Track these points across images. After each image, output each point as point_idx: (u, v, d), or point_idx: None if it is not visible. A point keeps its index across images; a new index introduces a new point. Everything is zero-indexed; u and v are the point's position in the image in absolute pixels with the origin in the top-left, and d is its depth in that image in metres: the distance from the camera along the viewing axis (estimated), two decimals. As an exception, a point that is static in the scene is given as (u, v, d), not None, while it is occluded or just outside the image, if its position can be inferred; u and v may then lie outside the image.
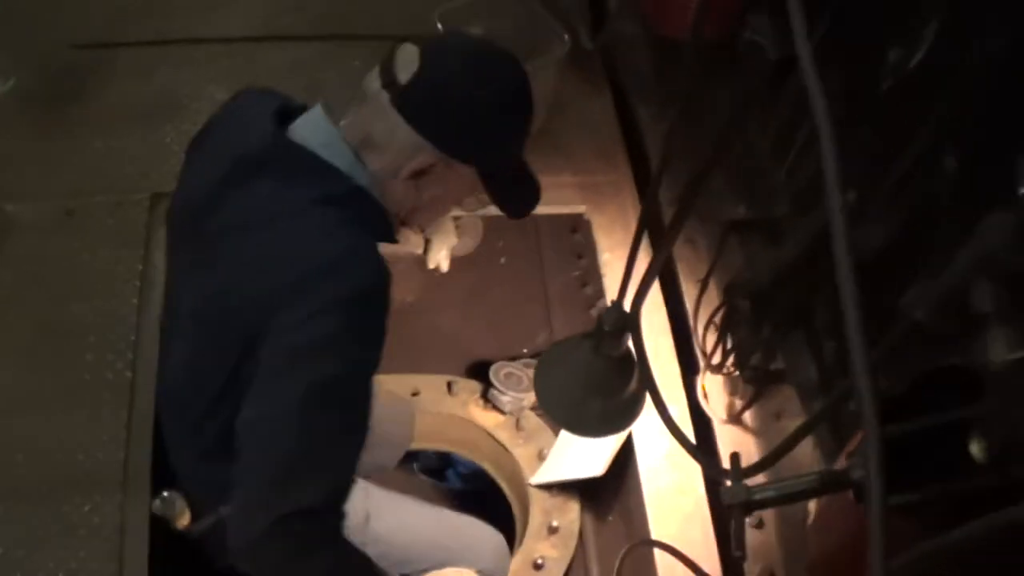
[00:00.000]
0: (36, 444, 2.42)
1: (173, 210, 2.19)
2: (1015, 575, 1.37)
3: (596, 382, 1.87)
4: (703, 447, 2.34)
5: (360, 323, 1.82)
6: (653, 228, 2.49)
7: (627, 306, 1.78)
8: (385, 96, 1.85)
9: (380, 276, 1.85)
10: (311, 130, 1.94)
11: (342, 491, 1.85)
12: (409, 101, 1.84)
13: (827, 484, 1.38)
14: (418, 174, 1.92)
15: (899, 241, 1.84)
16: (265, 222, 1.90)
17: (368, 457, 2.75)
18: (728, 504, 1.41)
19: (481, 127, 1.89)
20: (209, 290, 1.98)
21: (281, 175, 1.90)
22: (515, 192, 2.08)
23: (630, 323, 1.77)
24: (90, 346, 2.56)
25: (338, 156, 1.91)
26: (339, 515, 1.84)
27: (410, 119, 1.84)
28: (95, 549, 2.27)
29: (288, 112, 1.99)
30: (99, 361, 2.54)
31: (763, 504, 1.41)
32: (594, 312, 3.16)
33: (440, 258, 2.84)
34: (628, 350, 1.84)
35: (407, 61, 1.83)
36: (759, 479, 1.45)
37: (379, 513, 2.60)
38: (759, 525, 2.31)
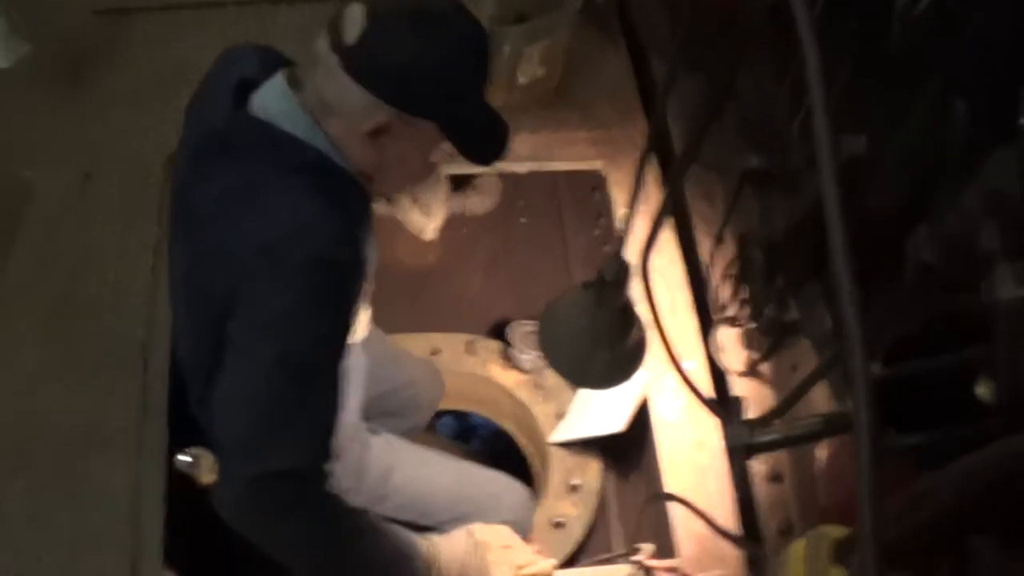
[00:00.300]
0: (53, 413, 2.43)
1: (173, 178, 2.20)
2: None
3: (599, 334, 1.86)
4: (720, 401, 2.32)
5: (322, 293, 1.85)
6: (666, 182, 2.48)
7: (636, 255, 1.77)
8: (334, 59, 1.81)
9: (343, 244, 1.87)
10: (272, 99, 1.92)
11: (320, 454, 1.89)
12: (357, 62, 1.81)
13: (831, 426, 1.37)
14: (376, 133, 1.89)
15: (911, 188, 1.81)
16: (232, 195, 1.90)
17: (398, 421, 2.82)
18: (730, 446, 1.40)
19: (434, 82, 1.85)
20: (190, 259, 2.03)
21: (243, 150, 1.91)
22: (480, 140, 2.01)
23: (634, 272, 1.76)
24: (105, 312, 2.57)
25: (298, 125, 1.89)
26: (318, 477, 1.89)
27: (360, 80, 1.81)
28: (111, 513, 2.30)
29: (251, 82, 1.97)
30: (115, 327, 2.54)
31: (766, 447, 1.41)
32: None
33: (424, 224, 2.82)
34: (629, 300, 1.83)
35: (353, 21, 1.79)
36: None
37: (401, 465, 2.63)
38: (777, 479, 2.30)
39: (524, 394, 3.38)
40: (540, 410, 3.34)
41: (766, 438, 1.39)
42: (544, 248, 3.67)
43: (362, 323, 2.32)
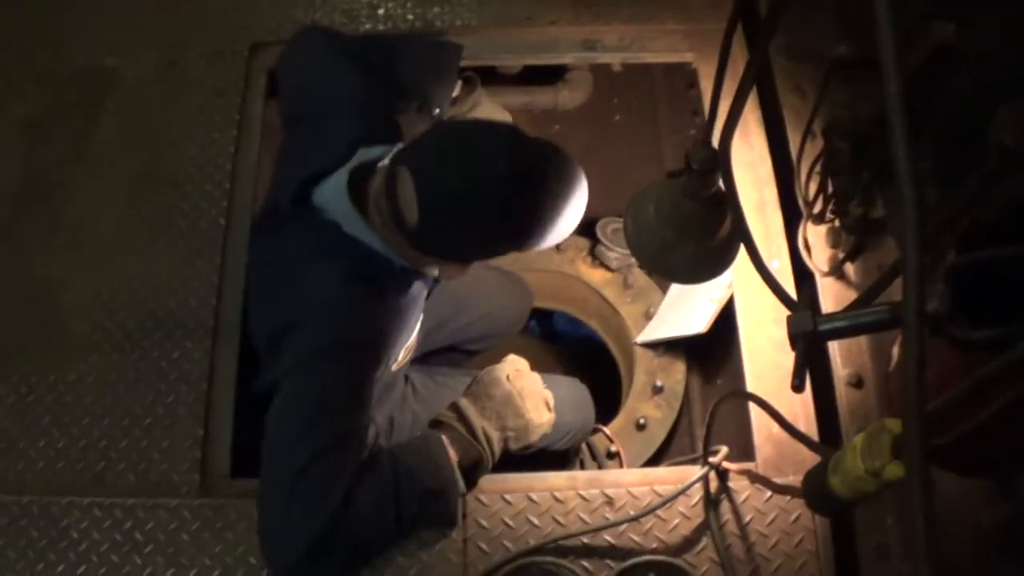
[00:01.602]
0: (130, 290, 2.44)
1: None
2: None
3: (686, 225, 1.78)
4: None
5: (338, 371, 2.02)
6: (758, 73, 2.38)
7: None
8: (395, 229, 2.01)
9: (362, 330, 2.08)
10: (331, 197, 2.13)
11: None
12: (419, 242, 2.01)
13: (899, 315, 1.29)
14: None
15: (999, 78, 1.71)
16: (281, 265, 2.19)
17: (482, 343, 2.99)
18: (792, 333, 1.33)
19: (483, 249, 2.08)
20: (257, 267, 2.35)
21: (299, 232, 2.16)
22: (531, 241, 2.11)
23: (720, 160, 1.67)
24: (186, 195, 2.56)
25: (354, 227, 2.10)
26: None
27: (422, 251, 2.06)
28: (184, 395, 2.30)
29: (321, 173, 2.17)
30: (194, 209, 2.53)
31: (830, 335, 1.33)
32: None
33: None
34: (719, 191, 1.74)
35: (407, 201, 1.93)
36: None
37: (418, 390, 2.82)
38: (858, 384, 2.22)
39: (611, 293, 3.33)
40: (627, 310, 3.29)
41: (829, 325, 1.31)
42: (638, 145, 3.60)
43: (403, 355, 2.44)
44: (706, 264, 1.86)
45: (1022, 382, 1.17)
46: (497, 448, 2.18)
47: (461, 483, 2.09)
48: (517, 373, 2.28)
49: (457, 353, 3.16)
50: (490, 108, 2.71)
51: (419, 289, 2.28)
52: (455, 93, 2.62)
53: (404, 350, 2.39)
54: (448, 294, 2.77)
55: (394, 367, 2.38)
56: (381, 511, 1.96)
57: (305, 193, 2.13)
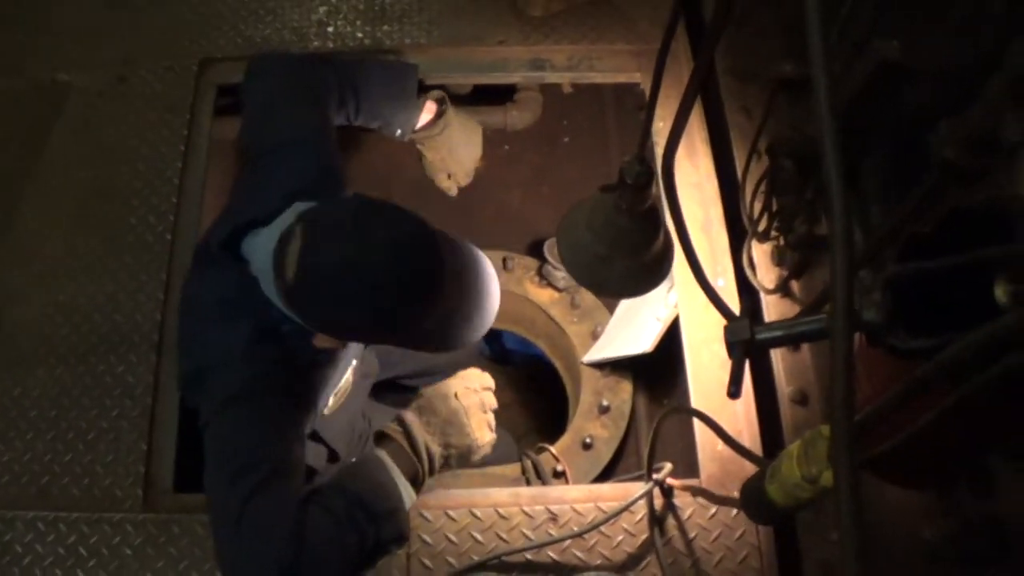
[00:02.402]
0: (76, 305, 2.44)
1: None
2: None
3: (618, 239, 1.78)
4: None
5: (246, 424, 1.97)
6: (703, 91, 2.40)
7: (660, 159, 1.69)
8: (277, 283, 1.91)
9: (269, 384, 2.00)
10: (256, 251, 2.02)
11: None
12: (290, 302, 1.91)
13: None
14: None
15: (943, 93, 1.73)
16: (199, 308, 2.15)
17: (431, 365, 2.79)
18: (730, 341, 1.33)
19: (352, 333, 2.06)
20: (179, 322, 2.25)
21: (221, 277, 2.09)
22: (427, 343, 2.09)
23: (664, 178, 1.68)
24: (134, 210, 2.56)
25: (268, 289, 1.98)
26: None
27: (293, 311, 1.93)
28: (128, 409, 2.30)
29: (253, 223, 2.08)
30: (142, 224, 2.54)
31: (768, 344, 1.34)
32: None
33: (450, 186, 2.84)
34: (652, 206, 1.75)
35: (291, 258, 1.86)
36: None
37: None
38: (802, 401, 2.23)
39: (558, 313, 3.34)
40: (574, 330, 3.30)
41: (767, 334, 1.32)
42: (587, 166, 3.61)
43: (333, 400, 2.39)
44: (639, 278, 1.86)
45: (955, 389, 1.18)
46: (437, 464, 2.14)
47: (410, 495, 2.06)
48: (466, 391, 2.24)
49: (406, 391, 3.17)
50: (461, 127, 2.74)
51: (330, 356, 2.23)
52: (429, 116, 2.64)
53: (334, 396, 2.36)
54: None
55: (326, 412, 2.34)
56: (342, 543, 1.90)
57: (235, 240, 2.08)
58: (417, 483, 2.10)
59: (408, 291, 1.88)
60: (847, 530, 0.77)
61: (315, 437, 2.46)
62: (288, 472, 1.96)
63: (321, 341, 2.04)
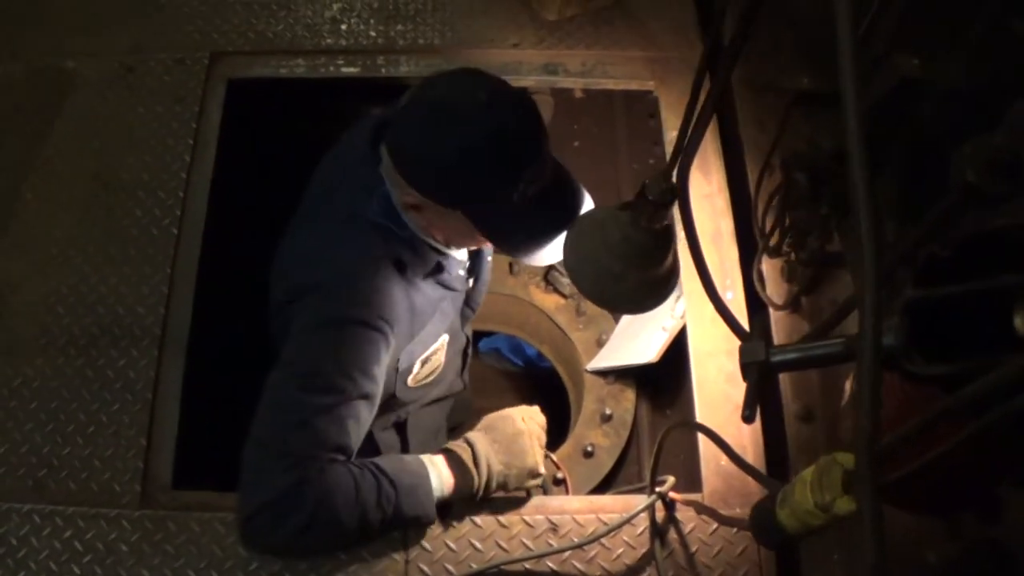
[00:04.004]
0: (78, 296, 2.42)
1: None
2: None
3: (633, 256, 1.77)
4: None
5: (334, 350, 2.04)
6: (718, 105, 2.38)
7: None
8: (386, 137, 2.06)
9: (364, 305, 2.06)
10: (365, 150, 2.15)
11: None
12: (389, 141, 2.04)
13: (853, 349, 1.28)
14: (413, 207, 2.08)
15: (962, 112, 1.71)
16: (331, 210, 2.22)
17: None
18: (744, 363, 1.32)
19: (446, 177, 1.98)
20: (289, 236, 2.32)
21: (357, 187, 2.17)
22: (512, 238, 2.12)
23: (678, 191, 1.66)
24: (140, 202, 2.54)
25: (373, 187, 2.12)
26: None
27: (391, 158, 2.03)
28: (128, 404, 2.27)
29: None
30: (147, 216, 2.52)
31: (782, 366, 1.32)
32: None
33: None
34: (671, 223, 1.74)
35: (407, 95, 2.01)
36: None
37: None
38: (808, 418, 2.21)
39: (563, 319, 3.33)
40: (579, 336, 3.29)
41: (782, 357, 1.31)
42: (596, 171, 3.58)
43: (426, 370, 2.43)
44: (649, 294, 1.86)
45: (974, 420, 1.16)
46: (495, 482, 2.17)
47: (441, 478, 2.11)
48: (529, 418, 2.27)
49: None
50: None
51: (448, 283, 2.32)
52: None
53: (423, 363, 2.38)
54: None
55: (410, 381, 2.37)
56: (360, 488, 1.98)
57: (377, 138, 2.15)
58: (474, 496, 2.15)
59: (504, 139, 1.94)
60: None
61: (399, 428, 2.57)
62: (359, 403, 2.04)
63: (410, 199, 2.06)
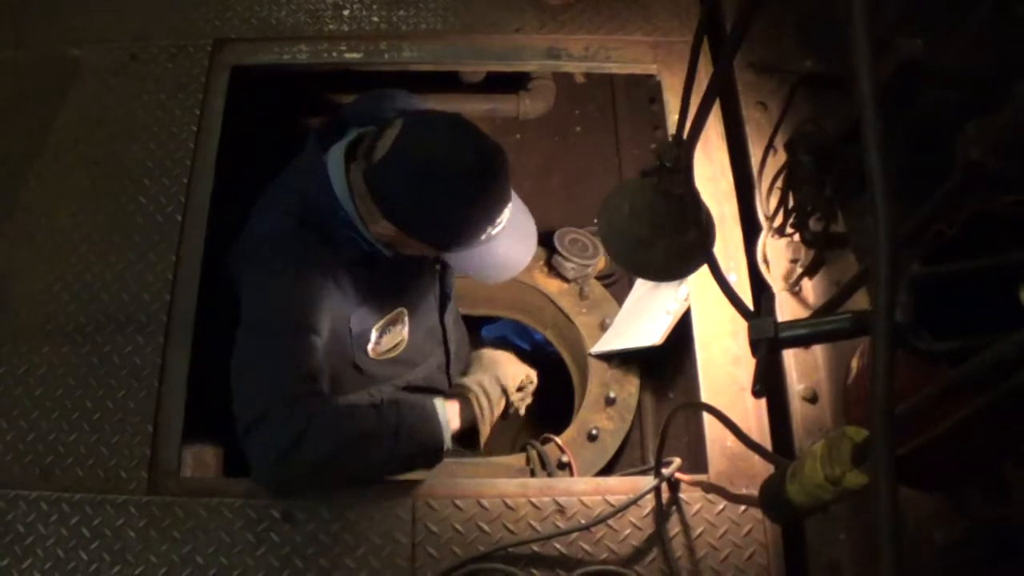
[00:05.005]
0: (83, 283, 2.42)
1: None
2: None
3: (660, 221, 1.77)
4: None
5: (269, 309, 2.22)
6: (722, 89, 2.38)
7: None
8: (363, 165, 2.18)
9: (307, 266, 2.23)
10: (333, 159, 2.25)
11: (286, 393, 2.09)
12: (371, 178, 2.15)
13: (861, 324, 1.29)
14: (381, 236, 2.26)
15: (969, 93, 1.72)
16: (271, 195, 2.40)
17: None
18: (753, 339, 1.32)
19: (427, 224, 2.18)
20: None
21: (299, 177, 2.35)
22: (471, 257, 2.27)
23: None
24: (144, 189, 2.54)
25: (340, 189, 2.23)
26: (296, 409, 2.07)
27: (371, 193, 2.16)
28: (134, 390, 2.28)
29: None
30: (152, 204, 2.52)
31: (791, 342, 1.33)
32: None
33: None
34: (693, 187, 1.74)
35: (386, 141, 2.12)
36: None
37: None
38: (813, 399, 2.22)
39: (567, 303, 3.33)
40: (582, 321, 3.29)
41: (791, 332, 1.31)
42: (597, 156, 3.60)
43: (386, 341, 2.55)
44: (679, 261, 1.86)
45: (980, 395, 1.17)
46: (492, 392, 2.48)
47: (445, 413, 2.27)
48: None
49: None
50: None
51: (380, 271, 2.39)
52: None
53: (382, 332, 2.48)
54: None
55: (370, 351, 2.47)
56: (358, 409, 2.19)
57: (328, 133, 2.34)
58: (482, 414, 2.46)
59: (489, 201, 2.16)
60: (886, 542, 0.75)
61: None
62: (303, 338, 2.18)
63: (380, 228, 2.22)
